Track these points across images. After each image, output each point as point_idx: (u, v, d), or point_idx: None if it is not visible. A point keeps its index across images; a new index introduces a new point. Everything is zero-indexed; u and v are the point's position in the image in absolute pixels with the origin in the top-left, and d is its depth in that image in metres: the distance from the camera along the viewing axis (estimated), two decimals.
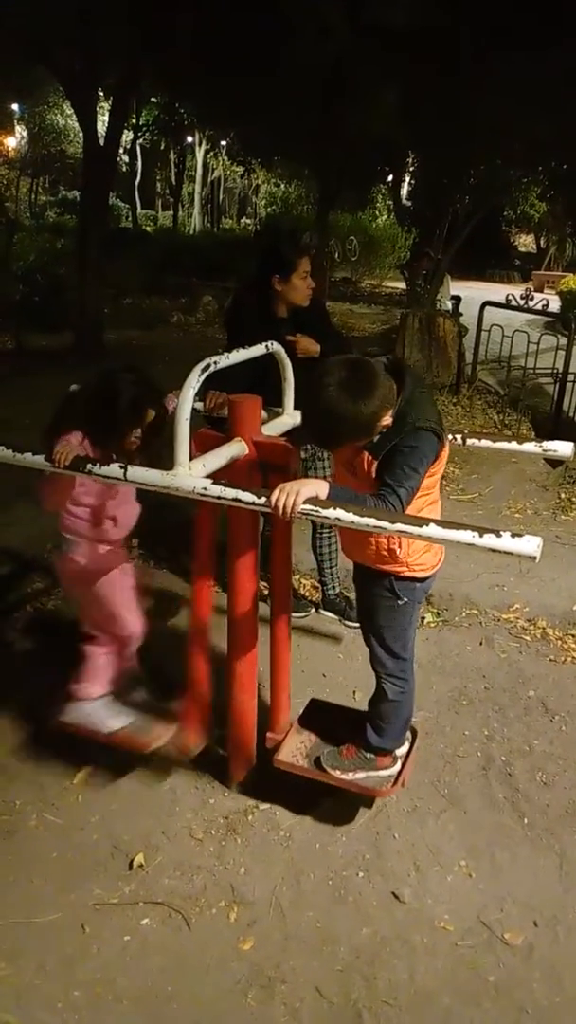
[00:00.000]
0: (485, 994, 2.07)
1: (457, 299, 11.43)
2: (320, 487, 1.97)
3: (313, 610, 3.88)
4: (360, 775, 2.48)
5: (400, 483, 2.05)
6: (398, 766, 2.53)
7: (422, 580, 2.36)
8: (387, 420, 2.10)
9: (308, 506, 1.92)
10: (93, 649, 2.69)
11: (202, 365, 2.11)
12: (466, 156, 10.86)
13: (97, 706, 2.70)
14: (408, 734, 2.62)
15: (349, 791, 2.52)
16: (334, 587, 3.82)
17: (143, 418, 2.40)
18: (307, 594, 4.03)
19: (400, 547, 2.24)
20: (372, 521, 1.88)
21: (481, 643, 3.72)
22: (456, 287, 12.30)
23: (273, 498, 1.94)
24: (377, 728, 2.48)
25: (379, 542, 2.25)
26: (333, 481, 2.19)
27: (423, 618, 3.89)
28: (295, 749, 2.61)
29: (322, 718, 2.75)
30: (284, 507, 1.92)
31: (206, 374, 2.12)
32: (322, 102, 11.01)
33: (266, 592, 2.76)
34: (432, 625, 3.86)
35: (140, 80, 10.76)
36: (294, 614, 3.73)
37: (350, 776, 2.48)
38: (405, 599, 2.34)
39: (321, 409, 2.03)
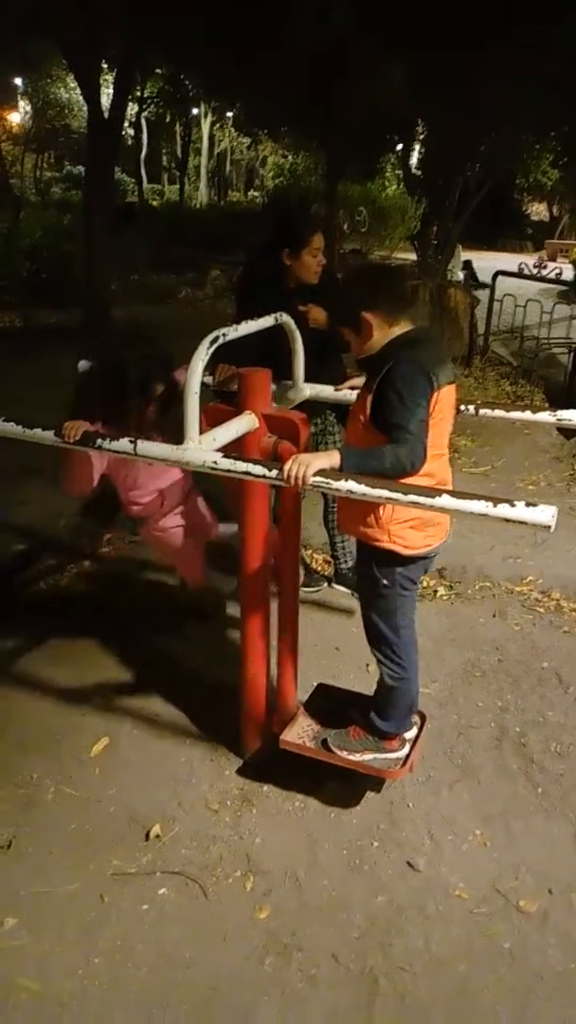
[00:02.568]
0: (500, 960, 2.09)
1: (468, 263, 11.28)
2: (332, 457, 1.94)
3: (326, 584, 3.88)
4: (368, 756, 2.46)
5: (407, 418, 1.98)
6: (406, 749, 2.50)
7: (404, 561, 2.25)
8: (371, 318, 2.11)
9: (319, 478, 1.91)
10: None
11: (211, 337, 2.09)
12: (476, 123, 10.65)
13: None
14: (416, 718, 2.59)
15: (356, 772, 2.51)
16: (346, 561, 3.81)
17: (153, 393, 2.40)
18: (319, 568, 4.03)
19: (384, 512, 2.16)
20: (385, 492, 1.87)
21: (495, 615, 3.71)
22: (468, 257, 12.15)
23: (286, 468, 1.93)
24: (380, 712, 2.44)
25: (364, 508, 2.17)
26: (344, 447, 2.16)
27: (436, 591, 3.88)
28: (302, 730, 2.59)
29: (329, 701, 2.72)
30: (296, 477, 1.91)
31: (215, 346, 2.10)
32: (329, 72, 10.81)
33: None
34: (445, 598, 3.85)
35: (143, 51, 10.59)
36: (306, 588, 3.75)
37: (358, 757, 2.45)
38: (385, 583, 2.26)
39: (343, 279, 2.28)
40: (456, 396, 2.24)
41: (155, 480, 2.82)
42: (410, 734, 2.55)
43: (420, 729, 2.60)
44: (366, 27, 9.41)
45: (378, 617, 2.34)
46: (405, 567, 2.26)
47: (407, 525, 2.19)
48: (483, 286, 10.61)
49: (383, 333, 2.14)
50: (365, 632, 2.43)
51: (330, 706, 2.69)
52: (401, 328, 2.15)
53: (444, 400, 2.12)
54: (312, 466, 1.91)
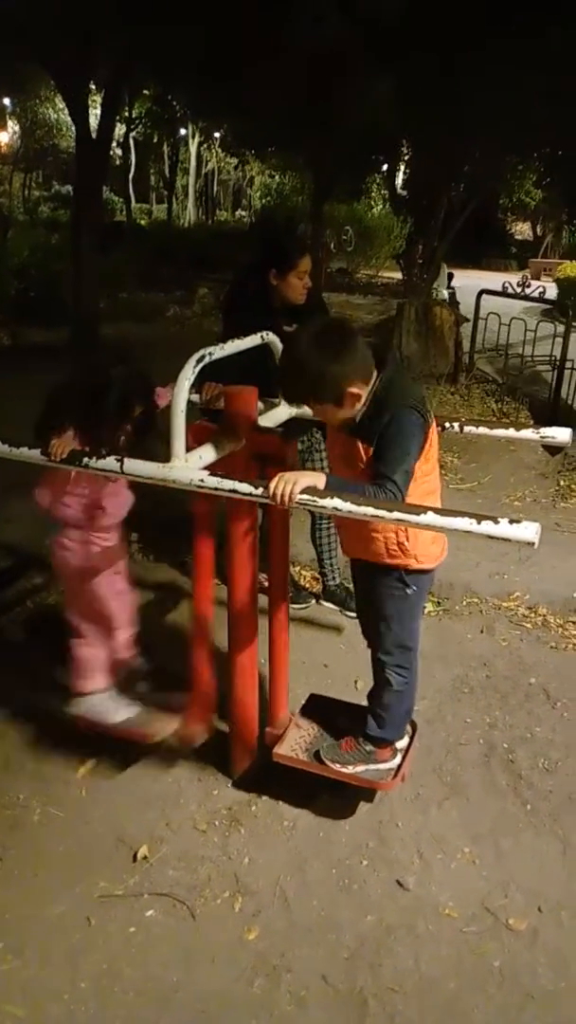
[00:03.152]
0: (490, 979, 2.08)
1: (450, 276, 11.40)
2: (318, 478, 1.97)
3: (314, 601, 3.88)
4: (360, 768, 2.47)
5: (393, 468, 2.03)
6: (398, 759, 2.52)
7: (429, 571, 2.36)
8: (356, 390, 2.06)
9: (305, 496, 1.92)
10: (81, 643, 2.70)
11: (197, 356, 2.10)
12: (461, 143, 10.81)
13: (101, 699, 2.71)
14: (408, 727, 2.61)
15: (349, 785, 2.52)
16: (334, 578, 3.82)
17: (131, 414, 2.39)
18: (307, 585, 4.03)
19: (409, 540, 2.22)
20: (370, 510, 1.88)
21: (482, 631, 3.72)
22: (449, 271, 12.29)
23: (272, 486, 1.94)
24: (378, 719, 2.47)
25: (387, 537, 2.22)
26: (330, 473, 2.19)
27: (423, 608, 3.88)
28: (295, 743, 2.60)
29: (321, 712, 2.73)
30: (282, 495, 1.92)
31: (201, 365, 2.11)
32: (316, 92, 10.95)
33: (266, 584, 2.76)
34: (433, 614, 3.86)
35: (131, 71, 10.70)
36: (294, 605, 3.74)
37: (350, 769, 2.47)
38: (414, 587, 2.33)
39: (290, 359, 2.08)
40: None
41: (111, 494, 2.60)
42: (402, 743, 2.57)
43: (412, 738, 2.62)
44: (354, 43, 9.54)
45: (399, 626, 2.38)
46: (431, 574, 2.38)
47: (430, 543, 2.27)
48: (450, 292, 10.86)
49: (365, 393, 2.11)
50: (380, 643, 2.43)
51: (322, 717, 2.70)
52: (373, 378, 2.12)
53: (433, 428, 2.20)
54: (299, 484, 1.92)
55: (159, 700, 2.75)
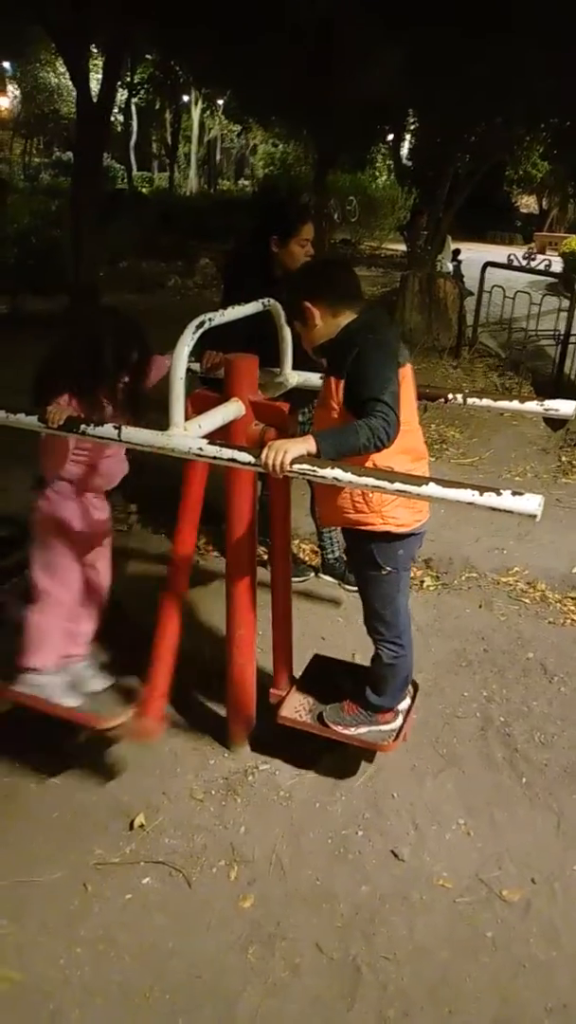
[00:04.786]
0: (483, 949, 2.09)
1: (456, 251, 11.27)
2: (308, 443, 1.94)
3: (312, 574, 3.87)
4: (362, 730, 2.49)
5: (377, 389, 2.00)
6: (399, 720, 2.55)
7: (401, 538, 2.27)
8: (313, 307, 2.19)
9: (305, 465, 1.89)
10: (38, 609, 2.50)
11: (196, 322, 2.07)
12: (467, 113, 10.61)
13: (50, 679, 2.49)
14: (409, 688, 2.63)
15: (350, 746, 2.54)
16: (333, 551, 3.80)
17: (127, 362, 2.36)
18: (306, 559, 4.02)
19: (372, 491, 2.14)
20: (371, 480, 1.85)
21: (480, 606, 3.72)
22: (456, 247, 12.14)
23: (262, 457, 1.92)
24: (376, 687, 2.48)
25: (351, 491, 2.18)
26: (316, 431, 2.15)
27: (422, 582, 3.88)
28: (298, 705, 2.62)
29: (324, 674, 2.75)
30: (273, 465, 1.90)
31: (201, 331, 2.07)
32: (320, 59, 10.73)
33: (265, 556, 2.75)
34: (431, 588, 3.85)
35: (133, 36, 10.48)
36: (294, 579, 3.73)
37: (352, 731, 2.49)
38: (389, 568, 2.30)
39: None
40: (426, 379, 2.26)
41: (110, 456, 2.50)
42: (403, 705, 2.59)
43: (413, 698, 2.64)
44: (361, 8, 9.34)
45: (380, 604, 2.37)
46: (405, 547, 2.30)
47: (396, 504, 2.20)
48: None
49: (328, 323, 2.21)
50: (365, 620, 2.44)
51: (325, 679, 2.71)
52: (346, 318, 2.20)
53: (407, 378, 2.19)
54: (289, 452, 1.90)
55: (115, 687, 2.56)
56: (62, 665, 2.53)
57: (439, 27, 8.90)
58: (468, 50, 8.95)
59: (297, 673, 2.79)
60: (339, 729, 2.50)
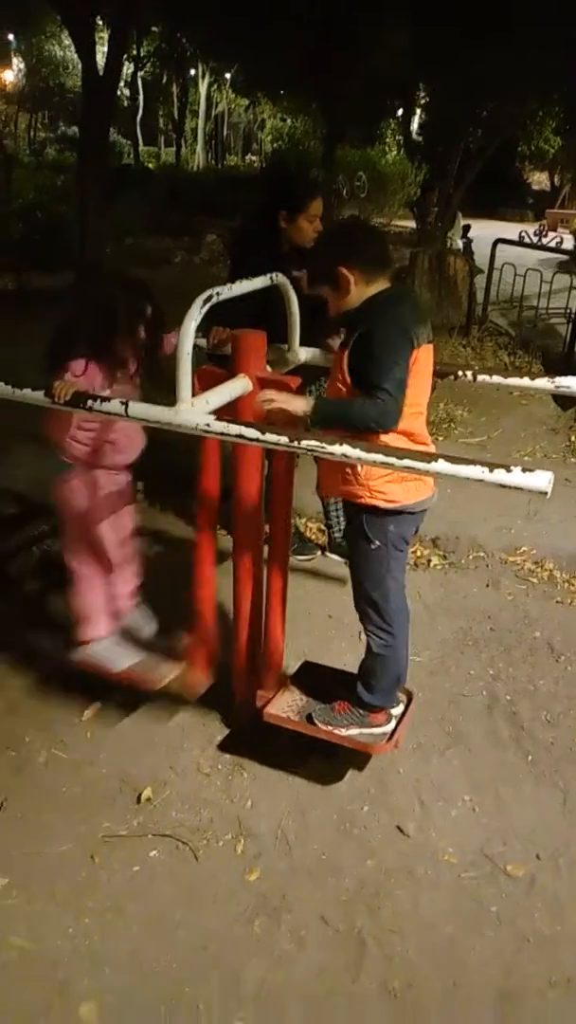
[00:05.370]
0: (488, 923, 2.11)
1: (467, 228, 11.15)
2: (309, 402, 2.02)
3: (319, 553, 3.87)
4: (353, 731, 2.42)
5: (382, 376, 1.98)
6: (392, 724, 2.46)
7: (391, 515, 2.21)
8: (348, 273, 2.10)
9: (314, 442, 1.88)
10: (79, 591, 2.67)
11: (204, 296, 2.04)
12: (480, 86, 10.45)
13: (104, 646, 2.71)
14: (403, 696, 2.56)
15: (341, 748, 2.49)
16: (340, 530, 3.79)
17: (143, 312, 2.39)
18: (313, 537, 4.02)
19: (360, 465, 2.12)
20: (379, 457, 1.84)
21: (487, 585, 3.71)
22: (467, 223, 12.01)
23: (259, 396, 1.99)
24: (367, 685, 2.41)
25: (342, 463, 2.15)
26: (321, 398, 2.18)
27: (429, 560, 3.87)
28: (287, 704, 2.56)
29: (315, 678, 2.69)
30: (267, 406, 2.01)
31: (208, 305, 2.05)
32: (330, 33, 10.56)
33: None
34: (438, 567, 3.84)
35: (140, 8, 10.32)
36: (300, 557, 3.74)
37: (343, 731, 2.42)
38: (377, 543, 2.23)
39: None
40: (434, 357, 2.22)
41: (122, 429, 2.56)
42: (397, 710, 2.51)
43: (407, 707, 2.56)
44: None
45: (368, 582, 2.31)
46: (396, 524, 2.23)
47: (385, 479, 2.16)
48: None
49: (360, 290, 2.13)
50: (354, 600, 2.40)
51: (316, 682, 2.65)
52: (379, 286, 2.14)
53: (422, 359, 2.12)
54: (286, 405, 1.99)
55: (162, 647, 2.75)
56: (112, 629, 2.73)
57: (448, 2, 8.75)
58: (477, 25, 8.80)
59: (293, 662, 2.78)
60: (329, 729, 2.42)
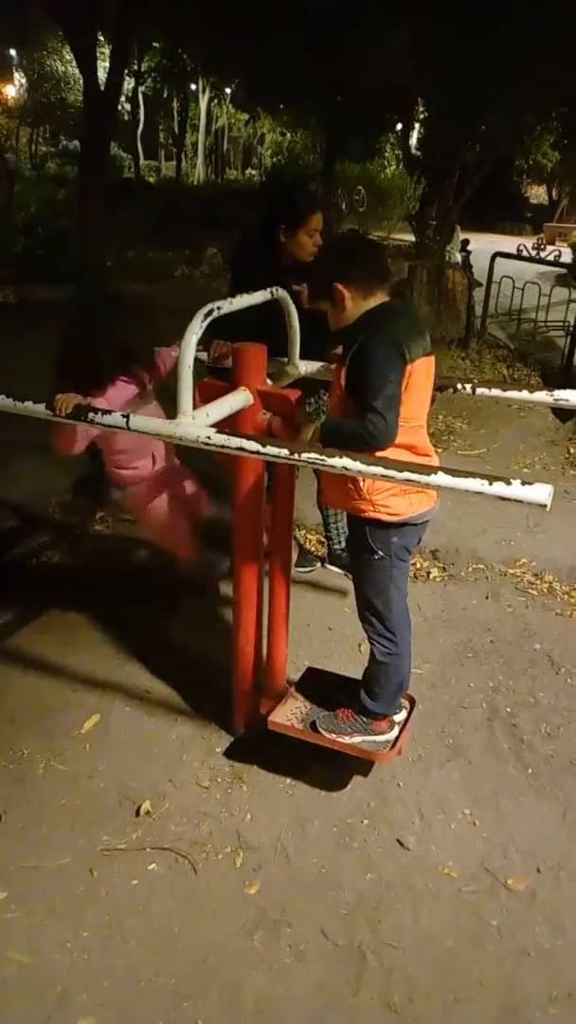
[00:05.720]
0: (488, 937, 2.10)
1: (465, 242, 11.20)
2: (312, 428, 2.11)
3: (319, 564, 3.88)
4: (356, 739, 2.43)
5: (372, 394, 2.00)
6: (395, 731, 2.48)
7: (395, 527, 2.23)
8: (344, 289, 2.12)
9: (314, 455, 1.89)
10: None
11: (205, 310, 2.06)
12: (477, 101, 10.52)
13: (208, 553, 3.13)
14: (405, 702, 2.57)
15: (345, 755, 2.49)
16: (340, 542, 3.80)
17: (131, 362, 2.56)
18: (313, 549, 4.02)
19: (363, 480, 2.15)
20: (379, 470, 1.85)
21: (487, 597, 3.71)
22: (465, 237, 12.06)
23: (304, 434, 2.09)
24: (370, 692, 2.42)
25: (345, 478, 2.17)
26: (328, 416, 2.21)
27: (429, 573, 3.88)
28: (291, 712, 2.57)
29: (318, 685, 2.70)
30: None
31: (209, 319, 2.07)
32: (329, 47, 10.65)
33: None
34: (438, 580, 3.85)
35: (140, 22, 10.43)
36: (300, 568, 3.74)
37: (346, 739, 2.43)
38: (380, 553, 2.25)
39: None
40: (434, 368, 2.23)
41: (144, 441, 2.78)
42: (399, 717, 2.52)
43: (409, 713, 2.57)
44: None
45: (372, 591, 2.33)
46: (399, 535, 2.25)
47: (388, 493, 2.18)
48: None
49: (357, 305, 2.15)
50: (358, 609, 2.41)
51: (319, 689, 2.66)
52: (376, 300, 2.16)
53: (419, 372, 2.12)
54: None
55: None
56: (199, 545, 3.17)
57: (446, 14, 8.82)
58: (475, 37, 8.87)
59: (295, 672, 2.78)
60: (332, 737, 2.43)
